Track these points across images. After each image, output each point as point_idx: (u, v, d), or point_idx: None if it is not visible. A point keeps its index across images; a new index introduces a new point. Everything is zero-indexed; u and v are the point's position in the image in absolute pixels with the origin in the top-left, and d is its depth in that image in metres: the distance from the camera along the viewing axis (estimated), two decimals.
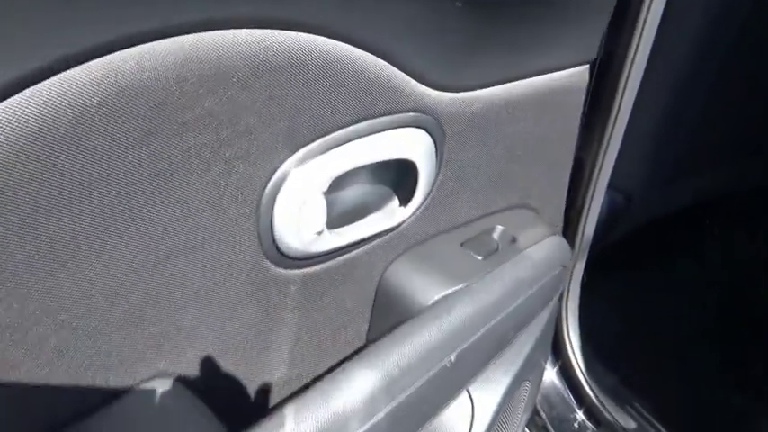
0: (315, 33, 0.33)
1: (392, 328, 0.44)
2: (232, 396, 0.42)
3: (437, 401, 0.47)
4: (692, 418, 0.97)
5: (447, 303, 0.47)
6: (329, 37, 0.34)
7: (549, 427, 0.98)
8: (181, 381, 0.38)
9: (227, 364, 0.41)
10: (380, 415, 0.40)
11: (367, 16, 0.35)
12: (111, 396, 0.36)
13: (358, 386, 0.39)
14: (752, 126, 1.08)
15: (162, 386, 0.37)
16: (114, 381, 0.35)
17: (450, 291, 0.48)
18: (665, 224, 1.19)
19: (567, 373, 0.98)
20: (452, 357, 0.46)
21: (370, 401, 0.39)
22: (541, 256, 0.54)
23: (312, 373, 0.46)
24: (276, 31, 0.31)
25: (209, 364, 0.39)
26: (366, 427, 0.39)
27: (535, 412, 0.99)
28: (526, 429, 0.98)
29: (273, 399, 0.44)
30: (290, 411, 0.38)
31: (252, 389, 0.43)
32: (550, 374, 1.00)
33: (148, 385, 0.36)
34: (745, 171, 1.22)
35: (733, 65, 0.92)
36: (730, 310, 1.22)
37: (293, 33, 0.32)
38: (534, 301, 0.55)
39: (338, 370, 0.39)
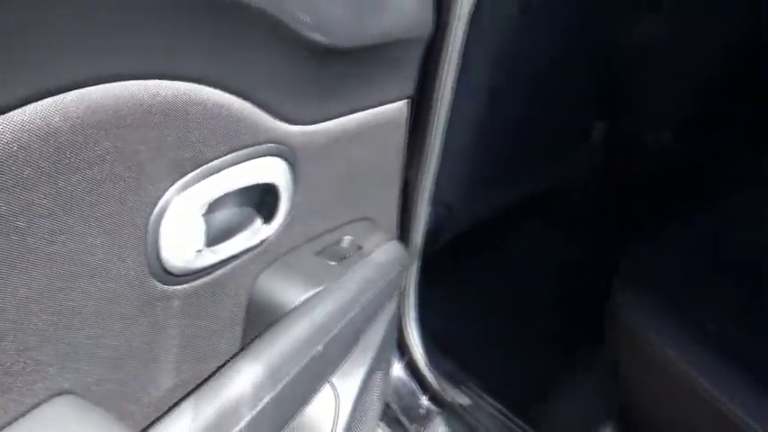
0: (194, 83, 0.40)
1: (268, 326, 0.52)
2: (129, 405, 0.46)
3: (311, 386, 0.55)
4: (518, 391, 1.15)
5: (311, 303, 0.55)
6: (205, 85, 0.41)
7: (401, 416, 1.10)
8: (82, 396, 0.41)
9: (122, 377, 0.45)
10: (266, 400, 0.47)
11: (235, 69, 0.43)
12: (12, 416, 0.38)
13: (246, 377, 0.45)
14: (550, 137, 1.32)
15: (64, 403, 0.40)
16: (15, 400, 0.38)
17: (312, 293, 0.57)
18: (484, 228, 1.39)
19: (411, 366, 1.10)
20: (320, 348, 0.54)
21: (257, 389, 0.46)
22: (383, 258, 0.66)
23: (197, 379, 0.51)
24: (163, 82, 0.38)
25: (106, 378, 0.43)
26: (255, 411, 0.46)
27: (387, 406, 1.10)
28: (380, 423, 1.09)
29: (165, 405, 0.49)
30: (189, 405, 0.43)
31: (145, 398, 0.47)
32: (398, 370, 1.12)
33: (51, 403, 0.39)
34: (549, 175, 1.46)
35: (530, 87, 1.12)
36: (547, 299, 1.46)
37: (177, 83, 0.39)
38: (381, 296, 0.66)
39: (227, 364, 0.45)
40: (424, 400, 1.10)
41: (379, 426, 1.04)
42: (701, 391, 0.77)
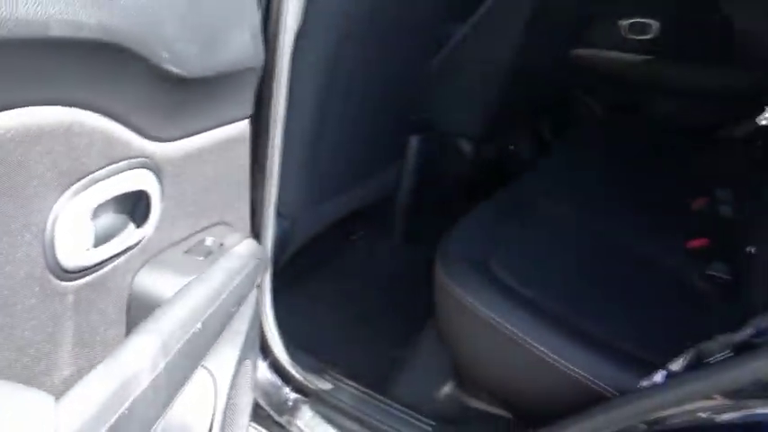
0: (77, 107, 0.51)
1: (151, 312, 0.61)
2: (36, 387, 0.53)
3: (195, 357, 0.65)
4: (371, 370, 1.32)
5: (186, 290, 0.66)
6: (86, 110, 0.52)
7: (271, 412, 1.20)
8: None
9: (29, 362, 0.52)
10: (161, 367, 0.57)
11: (110, 96, 0.54)
12: None
13: (143, 347, 0.55)
14: (376, 151, 1.52)
15: None
16: None
17: (184, 284, 0.67)
18: (327, 235, 1.55)
19: (275, 365, 1.21)
20: (199, 325, 0.65)
21: (153, 358, 0.56)
22: (242, 252, 0.78)
23: (91, 366, 0.59)
24: (54, 107, 0.48)
25: (16, 362, 0.50)
26: (152, 377, 0.56)
27: (258, 406, 1.20)
28: (252, 423, 1.18)
29: (66, 389, 0.56)
30: (93, 377, 0.52)
31: (48, 382, 0.54)
32: (263, 371, 1.22)
33: None
34: (377, 187, 1.66)
35: (355, 107, 1.30)
36: (386, 296, 1.65)
37: (64, 108, 0.49)
38: (243, 285, 0.77)
39: (125, 340, 0.54)
40: (290, 393, 1.22)
41: (251, 425, 1.13)
42: (516, 340, 0.98)
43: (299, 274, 1.66)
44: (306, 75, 1.03)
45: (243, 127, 0.80)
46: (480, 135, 1.84)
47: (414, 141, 1.67)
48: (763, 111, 1.90)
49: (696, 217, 1.48)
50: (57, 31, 0.45)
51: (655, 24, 2.05)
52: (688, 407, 0.76)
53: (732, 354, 0.73)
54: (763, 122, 1.89)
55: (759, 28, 1.90)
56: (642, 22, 2.07)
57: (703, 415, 0.76)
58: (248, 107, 0.78)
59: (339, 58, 1.10)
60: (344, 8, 1.06)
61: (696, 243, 1.31)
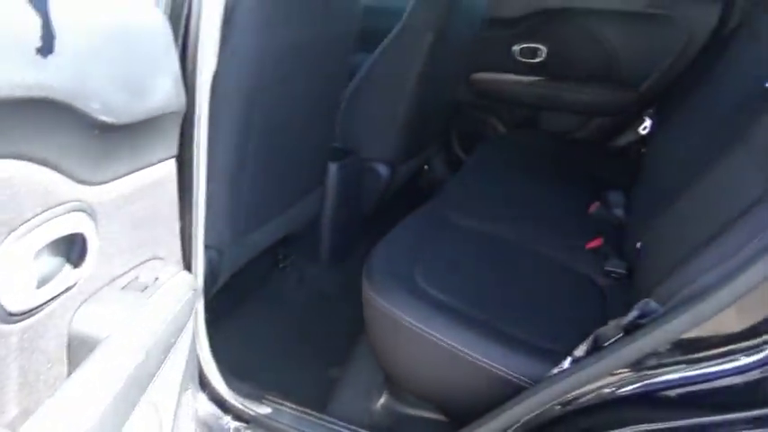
0: (15, 159, 0.54)
1: (96, 345, 0.64)
2: None
3: (139, 390, 0.68)
4: (308, 390, 1.36)
5: (127, 322, 0.69)
6: (22, 160, 0.55)
7: None
8: None
9: None
10: (106, 401, 0.60)
11: (46, 147, 0.57)
12: None
13: (87, 383, 0.58)
14: (298, 180, 1.57)
15: None
16: None
17: (123, 319, 0.70)
18: (257, 263, 1.59)
19: (213, 396, 1.22)
20: (142, 357, 0.68)
21: (98, 393, 0.59)
22: (177, 283, 0.81)
23: (37, 406, 0.61)
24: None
25: None
26: (98, 412, 0.59)
27: None
28: None
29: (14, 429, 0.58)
30: (40, 416, 0.54)
31: None
32: (203, 403, 1.23)
33: None
34: (305, 209, 1.71)
35: (274, 141, 1.35)
36: (319, 317, 1.71)
37: (4, 161, 0.53)
38: (182, 314, 0.81)
39: (69, 377, 0.57)
40: (231, 422, 1.24)
41: None
42: (441, 345, 1.06)
43: (232, 302, 1.69)
44: (225, 113, 1.08)
45: (169, 166, 0.84)
46: (395, 158, 1.95)
47: (333, 168, 1.75)
48: (643, 121, 2.13)
49: (593, 220, 1.65)
50: None
51: (543, 49, 2.26)
52: (592, 385, 0.87)
53: (623, 335, 0.85)
54: (643, 132, 2.12)
55: (633, 50, 2.15)
56: (532, 47, 2.27)
57: (607, 390, 0.87)
58: (173, 147, 0.83)
59: (256, 94, 1.16)
60: (259, 46, 1.12)
61: (594, 244, 1.46)
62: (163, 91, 0.74)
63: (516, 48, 2.29)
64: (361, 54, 2.09)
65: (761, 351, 0.72)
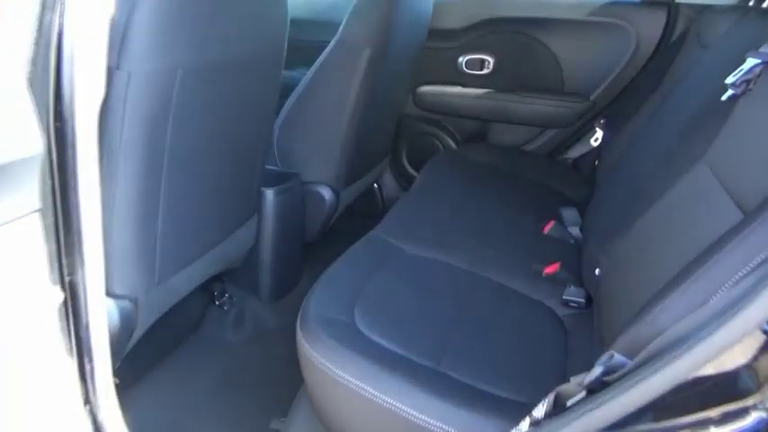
0: None
1: None
2: None
3: None
4: None
5: None
6: None
7: None
8: None
9: None
10: None
11: None
12: None
13: None
14: (225, 217, 1.42)
15: None
16: None
17: None
18: (190, 304, 1.43)
19: None
20: None
21: None
22: None
23: None
24: None
25: None
26: None
27: None
28: None
29: None
30: None
31: None
32: None
33: None
34: (239, 242, 1.55)
35: (194, 182, 1.20)
36: (262, 361, 1.55)
37: None
38: None
39: None
40: None
41: None
42: (386, 407, 0.92)
43: (160, 352, 1.52)
44: (123, 151, 0.93)
45: (32, 221, 0.68)
46: (339, 180, 1.82)
47: (269, 195, 1.61)
48: (594, 132, 2.06)
49: (548, 240, 1.55)
50: None
51: (490, 60, 2.17)
52: None
53: (586, 394, 0.74)
54: (594, 143, 2.05)
55: (581, 59, 2.08)
56: (478, 58, 2.18)
57: None
58: (36, 200, 0.67)
59: (161, 125, 1.01)
60: (163, 69, 0.97)
61: (551, 269, 1.36)
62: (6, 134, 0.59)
63: (462, 59, 2.20)
64: (300, 69, 1.96)
65: (742, 418, 0.62)
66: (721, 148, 1.00)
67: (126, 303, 1.14)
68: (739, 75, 1.02)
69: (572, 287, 1.30)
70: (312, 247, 1.93)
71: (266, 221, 1.62)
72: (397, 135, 2.34)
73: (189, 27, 0.99)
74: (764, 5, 1.59)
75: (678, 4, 1.94)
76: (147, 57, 0.92)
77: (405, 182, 2.42)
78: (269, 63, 1.32)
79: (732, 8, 1.61)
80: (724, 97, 1.05)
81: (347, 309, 1.11)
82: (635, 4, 2.02)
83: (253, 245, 1.62)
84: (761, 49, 1.02)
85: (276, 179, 1.67)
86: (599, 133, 2.04)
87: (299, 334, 1.05)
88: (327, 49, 1.67)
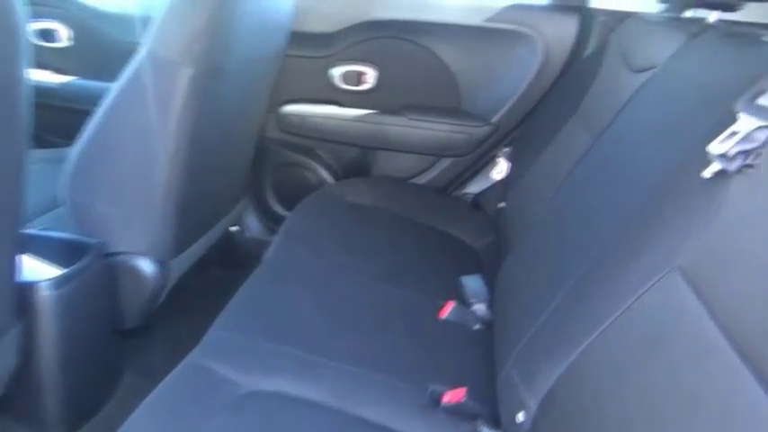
0: None
1: None
2: None
3: None
4: None
5: None
6: None
7: None
8: None
9: None
10: None
11: None
12: None
13: None
14: None
15: None
16: None
17: None
18: None
19: None
20: None
21: None
22: None
23: None
24: None
25: None
26: None
27: None
28: None
29: None
30: None
31: None
32: None
33: None
34: None
35: None
36: None
37: None
38: None
39: None
40: None
41: None
42: None
43: None
44: None
45: None
46: (165, 247, 1.31)
47: (42, 290, 1.07)
48: (495, 164, 1.69)
49: (447, 333, 1.14)
50: None
51: (371, 73, 1.73)
52: None
53: None
54: (497, 177, 1.68)
55: (479, 73, 1.70)
56: (356, 71, 1.73)
57: None
58: None
59: None
60: None
61: (452, 397, 0.95)
62: None
63: (336, 71, 1.75)
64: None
65: None
66: (702, 256, 0.63)
67: None
68: (734, 142, 0.64)
69: (486, 428, 0.90)
70: (137, 330, 1.41)
71: (41, 327, 1.09)
72: (258, 166, 1.85)
73: None
74: (685, 15, 1.28)
75: (591, 8, 1.60)
76: None
77: (272, 222, 1.94)
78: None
79: (665, 19, 1.28)
80: (707, 173, 0.68)
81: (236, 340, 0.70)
82: (541, 7, 1.66)
83: (20, 363, 1.08)
84: (758, 101, 0.66)
85: (62, 253, 1.14)
86: (503, 164, 1.67)
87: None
88: (129, 68, 1.16)
